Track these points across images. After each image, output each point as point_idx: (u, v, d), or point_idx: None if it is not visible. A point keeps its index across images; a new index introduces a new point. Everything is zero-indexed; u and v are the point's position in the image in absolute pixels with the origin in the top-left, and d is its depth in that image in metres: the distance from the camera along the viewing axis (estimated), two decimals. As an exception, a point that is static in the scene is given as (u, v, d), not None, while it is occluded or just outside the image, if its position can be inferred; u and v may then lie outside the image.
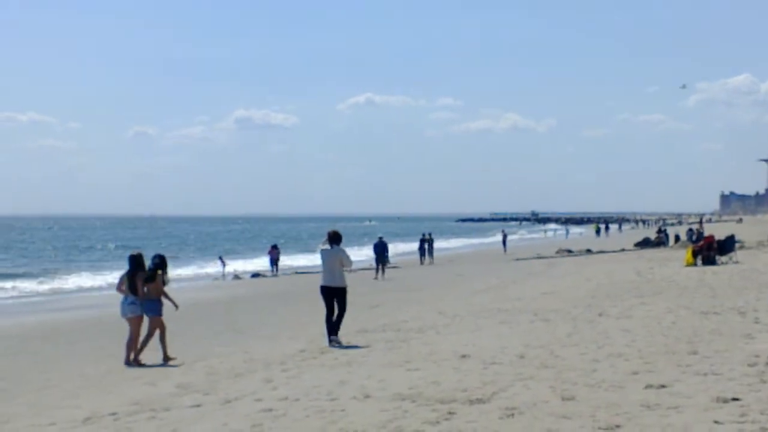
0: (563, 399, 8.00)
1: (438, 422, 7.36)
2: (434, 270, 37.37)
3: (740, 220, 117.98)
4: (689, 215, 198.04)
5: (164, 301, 13.51)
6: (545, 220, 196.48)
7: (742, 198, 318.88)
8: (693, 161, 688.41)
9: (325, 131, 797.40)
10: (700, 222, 77.77)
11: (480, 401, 8.10)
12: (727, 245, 29.53)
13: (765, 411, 7.11)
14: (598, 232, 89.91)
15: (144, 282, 13.26)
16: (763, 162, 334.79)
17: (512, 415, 7.47)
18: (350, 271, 15.08)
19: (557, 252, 47.57)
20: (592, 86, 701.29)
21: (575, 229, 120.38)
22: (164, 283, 13.44)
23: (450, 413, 7.64)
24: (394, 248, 45.34)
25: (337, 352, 12.40)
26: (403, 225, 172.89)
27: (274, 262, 42.14)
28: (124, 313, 13.39)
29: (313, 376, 10.29)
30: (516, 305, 17.56)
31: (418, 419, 7.51)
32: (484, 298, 20.00)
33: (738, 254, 29.80)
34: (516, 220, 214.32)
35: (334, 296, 13.51)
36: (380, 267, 33.19)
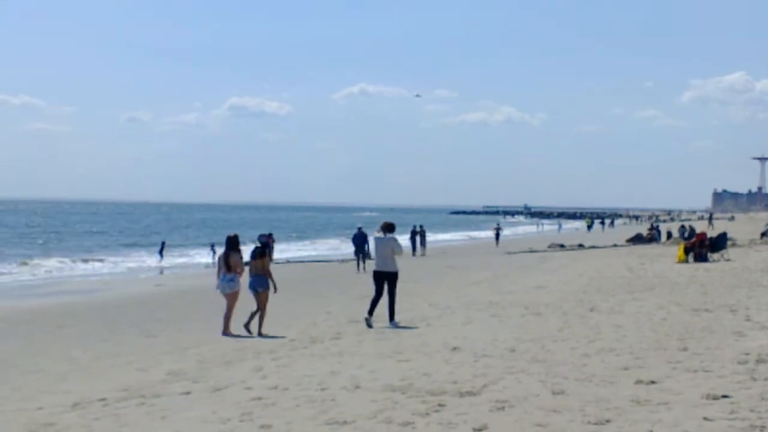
0: (553, 393, 8.00)
1: (428, 414, 7.35)
2: (426, 262, 37.34)
3: (732, 218, 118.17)
4: (680, 212, 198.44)
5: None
6: (538, 214, 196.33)
7: (735, 196, 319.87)
8: (686, 158, 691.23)
9: (320, 120, 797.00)
10: (710, 219, 77.41)
11: (470, 394, 8.09)
12: (719, 243, 29.61)
13: (755, 408, 7.12)
14: (590, 227, 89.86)
15: (252, 259, 14.40)
16: (756, 160, 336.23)
17: (502, 408, 7.46)
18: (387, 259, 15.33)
19: (549, 246, 47.58)
20: (588, 81, 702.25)
21: (568, 224, 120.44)
22: (270, 261, 14.42)
23: (440, 405, 7.63)
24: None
25: (328, 342, 12.39)
26: (397, 216, 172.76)
27: (271, 250, 41.97)
28: (222, 290, 14.27)
29: (304, 366, 10.28)
30: (507, 299, 17.57)
31: (408, 410, 7.50)
32: (476, 291, 20.01)
33: (729, 252, 29.90)
34: (509, 213, 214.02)
35: (386, 280, 14.26)
36: (361, 259, 31.77)
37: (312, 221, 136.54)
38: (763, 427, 6.54)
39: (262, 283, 14.34)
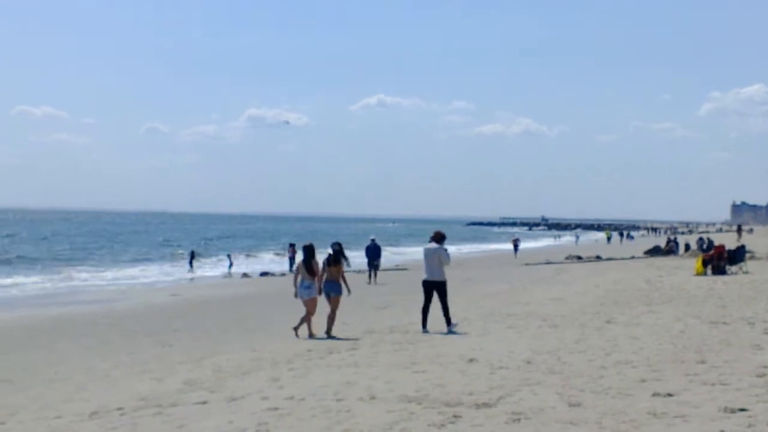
0: (570, 405, 7.98)
1: (443, 425, 7.36)
2: (443, 273, 37.24)
3: (751, 230, 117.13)
4: (698, 224, 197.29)
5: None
6: (555, 226, 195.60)
7: (754, 208, 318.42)
8: (705, 170, 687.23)
9: (337, 131, 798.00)
10: (739, 230, 76.74)
11: (486, 405, 8.09)
12: (738, 255, 29.41)
13: (772, 422, 7.07)
14: (609, 239, 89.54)
15: (327, 265, 14.94)
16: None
17: (518, 420, 7.46)
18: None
19: (566, 258, 47.45)
20: (606, 93, 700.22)
21: (586, 236, 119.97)
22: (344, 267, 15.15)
23: (456, 416, 7.64)
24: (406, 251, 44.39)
25: (344, 353, 12.41)
26: (415, 228, 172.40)
27: (292, 260, 41.68)
28: (301, 296, 14.97)
29: (320, 376, 10.30)
30: (524, 310, 17.53)
31: (423, 421, 7.51)
32: (493, 303, 19.97)
33: (748, 264, 29.68)
34: (526, 225, 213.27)
35: (434, 289, 14.79)
36: (372, 271, 31.11)
37: (339, 231, 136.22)
38: (781, 440, 6.51)
39: (335, 288, 14.91)
